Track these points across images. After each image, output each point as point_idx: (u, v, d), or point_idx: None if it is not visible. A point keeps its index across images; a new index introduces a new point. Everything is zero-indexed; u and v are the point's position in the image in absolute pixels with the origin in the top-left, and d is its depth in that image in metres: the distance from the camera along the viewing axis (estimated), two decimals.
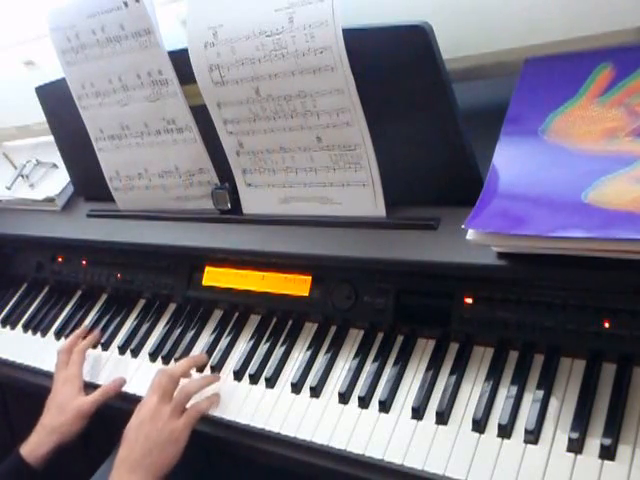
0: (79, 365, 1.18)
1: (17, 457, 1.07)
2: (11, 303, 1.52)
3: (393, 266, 0.97)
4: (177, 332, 1.20)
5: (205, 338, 1.17)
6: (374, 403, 0.93)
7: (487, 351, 0.92)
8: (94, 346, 1.26)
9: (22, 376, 1.34)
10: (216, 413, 1.03)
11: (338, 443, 0.92)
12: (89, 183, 1.40)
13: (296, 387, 1.01)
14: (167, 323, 1.24)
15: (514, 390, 0.86)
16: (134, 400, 1.12)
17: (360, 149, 0.98)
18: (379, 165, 0.98)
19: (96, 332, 1.27)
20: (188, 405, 1.01)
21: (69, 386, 1.14)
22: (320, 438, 0.93)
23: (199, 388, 1.04)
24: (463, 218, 0.83)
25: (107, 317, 1.32)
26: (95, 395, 1.12)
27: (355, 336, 1.03)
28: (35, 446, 1.08)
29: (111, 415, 1.12)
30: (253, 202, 1.14)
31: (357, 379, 0.97)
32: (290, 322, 1.11)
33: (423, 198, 0.98)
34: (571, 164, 0.83)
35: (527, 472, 0.79)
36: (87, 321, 1.35)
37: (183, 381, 1.05)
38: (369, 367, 0.98)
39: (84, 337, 1.26)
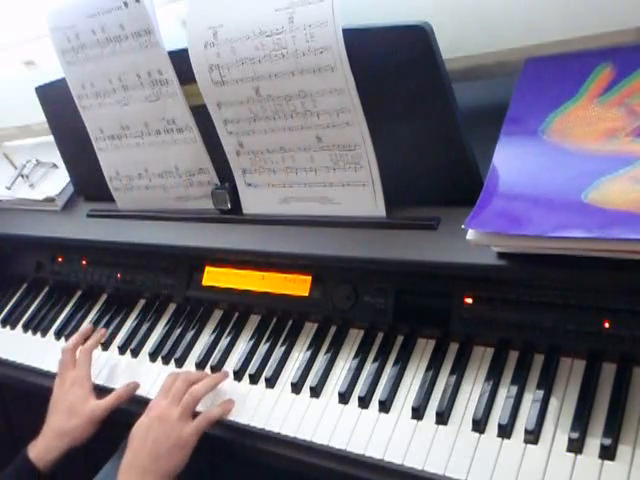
0: (87, 366, 1.16)
1: (26, 461, 1.05)
2: (11, 303, 1.52)
3: (393, 266, 0.97)
4: (177, 332, 1.20)
5: (205, 338, 1.17)
6: (374, 403, 0.93)
7: (487, 351, 0.92)
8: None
9: (22, 376, 1.33)
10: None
11: (338, 443, 0.92)
12: (89, 183, 1.40)
13: (296, 387, 1.01)
14: (167, 323, 1.24)
15: (514, 390, 0.86)
16: (135, 400, 1.13)
17: (360, 149, 0.98)
18: (379, 165, 0.98)
19: (101, 330, 1.25)
20: (200, 407, 1.00)
21: (78, 388, 1.11)
22: (320, 438, 0.93)
23: (207, 390, 1.02)
24: (463, 218, 0.83)
25: (107, 317, 1.32)
26: (109, 400, 1.09)
27: (355, 336, 1.03)
28: (44, 450, 1.06)
29: (112, 416, 1.12)
30: (253, 202, 1.14)
31: (357, 379, 0.97)
32: (290, 322, 1.11)
33: (423, 198, 0.98)
34: (571, 164, 0.83)
35: (527, 472, 0.79)
36: (87, 321, 1.35)
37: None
38: (369, 367, 0.98)
39: (88, 336, 1.24)
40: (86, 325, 1.30)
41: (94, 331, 1.26)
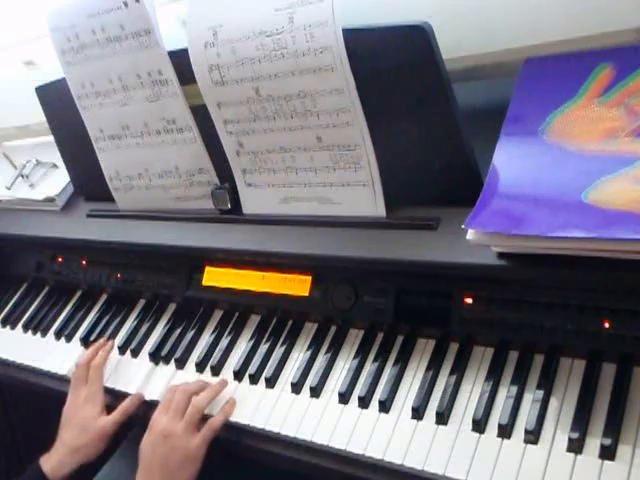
0: (99, 382, 1.16)
1: (40, 475, 1.06)
2: (11, 303, 1.52)
3: (393, 266, 0.97)
4: (177, 332, 1.20)
5: (205, 338, 1.17)
6: (374, 403, 0.93)
7: (487, 351, 0.92)
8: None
9: (22, 376, 1.33)
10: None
11: (338, 443, 0.92)
12: (89, 183, 1.40)
13: (296, 387, 1.01)
14: (167, 323, 1.24)
15: (514, 390, 0.86)
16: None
17: (360, 149, 0.98)
18: (379, 165, 0.98)
19: (109, 343, 1.24)
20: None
21: (91, 405, 1.12)
22: (320, 438, 0.93)
23: (210, 400, 1.02)
24: (463, 218, 0.83)
25: (107, 317, 1.32)
26: (116, 415, 1.10)
27: (355, 336, 1.03)
28: (58, 465, 1.07)
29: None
30: (253, 202, 1.14)
31: (357, 379, 0.97)
32: (290, 322, 1.11)
33: (423, 198, 0.98)
34: (571, 164, 0.83)
35: (527, 472, 0.79)
36: (87, 321, 1.35)
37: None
38: (369, 367, 0.98)
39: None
40: (101, 340, 1.25)
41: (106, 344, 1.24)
